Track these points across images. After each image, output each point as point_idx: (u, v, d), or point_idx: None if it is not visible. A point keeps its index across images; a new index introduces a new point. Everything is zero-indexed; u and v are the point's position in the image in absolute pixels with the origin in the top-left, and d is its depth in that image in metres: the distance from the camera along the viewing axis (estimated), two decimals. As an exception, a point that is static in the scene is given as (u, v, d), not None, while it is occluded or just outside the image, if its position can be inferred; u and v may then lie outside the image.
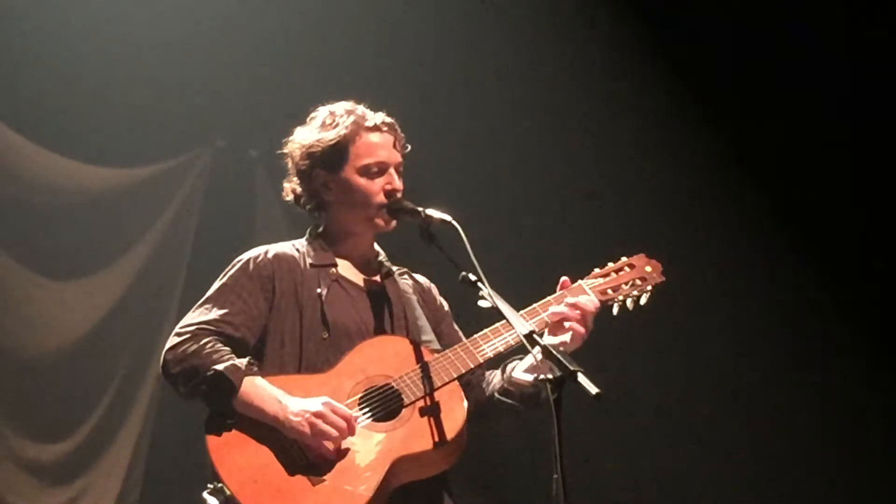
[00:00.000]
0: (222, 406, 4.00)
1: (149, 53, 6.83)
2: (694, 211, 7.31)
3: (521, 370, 4.16)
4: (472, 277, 3.93)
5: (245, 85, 7.11)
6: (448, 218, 4.07)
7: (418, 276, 4.45)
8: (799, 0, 6.89)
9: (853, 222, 7.10)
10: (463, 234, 3.96)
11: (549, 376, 3.62)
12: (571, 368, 3.58)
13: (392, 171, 4.25)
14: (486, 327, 4.14)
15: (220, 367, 3.99)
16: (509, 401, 4.17)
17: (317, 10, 6.97)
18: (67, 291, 6.91)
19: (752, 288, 7.28)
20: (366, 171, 4.22)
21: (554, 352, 3.67)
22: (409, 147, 4.33)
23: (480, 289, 3.91)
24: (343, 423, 3.94)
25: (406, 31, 7.07)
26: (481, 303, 3.94)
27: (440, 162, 6.79)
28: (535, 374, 4.04)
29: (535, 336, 3.79)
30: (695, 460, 7.15)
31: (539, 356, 3.74)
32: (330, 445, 3.94)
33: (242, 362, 4.02)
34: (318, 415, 3.93)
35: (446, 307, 4.44)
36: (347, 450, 3.96)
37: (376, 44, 7.08)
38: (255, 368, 4.04)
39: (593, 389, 3.53)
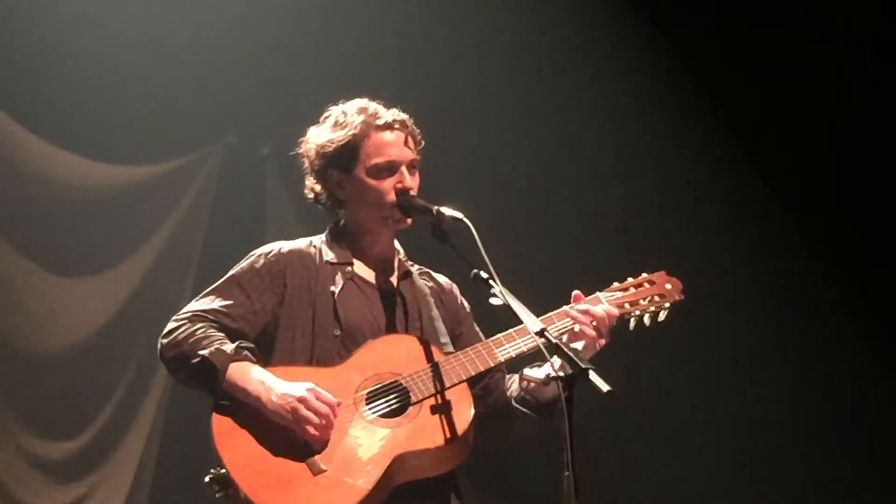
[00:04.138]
0: (210, 391, 4.00)
1: (161, 51, 6.83)
2: (716, 224, 7.30)
3: (535, 370, 4.15)
4: (484, 275, 3.91)
5: (257, 82, 7.11)
6: (459, 215, 4.06)
7: (439, 277, 4.42)
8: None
9: (876, 230, 7.09)
10: (475, 232, 3.96)
11: (561, 374, 3.61)
12: (583, 366, 3.56)
13: (404, 169, 4.23)
14: (497, 327, 4.13)
15: (204, 351, 3.99)
16: (525, 410, 4.17)
17: (330, 7, 6.96)
18: (78, 289, 6.91)
19: (775, 296, 7.27)
20: (377, 171, 4.21)
21: (565, 349, 3.66)
22: (424, 143, 4.31)
23: (492, 286, 3.90)
24: (325, 409, 3.93)
25: (422, 28, 7.06)
26: (493, 300, 3.92)
27: (456, 165, 6.78)
28: (547, 372, 4.02)
29: (546, 333, 3.76)
30: (707, 461, 7.13)
31: (554, 361, 3.72)
32: (313, 431, 3.93)
33: (230, 347, 4.02)
34: (300, 400, 3.93)
35: (468, 308, 4.41)
36: (351, 442, 3.95)
37: (391, 41, 7.06)
38: (246, 353, 4.03)
39: (605, 387, 3.51)
